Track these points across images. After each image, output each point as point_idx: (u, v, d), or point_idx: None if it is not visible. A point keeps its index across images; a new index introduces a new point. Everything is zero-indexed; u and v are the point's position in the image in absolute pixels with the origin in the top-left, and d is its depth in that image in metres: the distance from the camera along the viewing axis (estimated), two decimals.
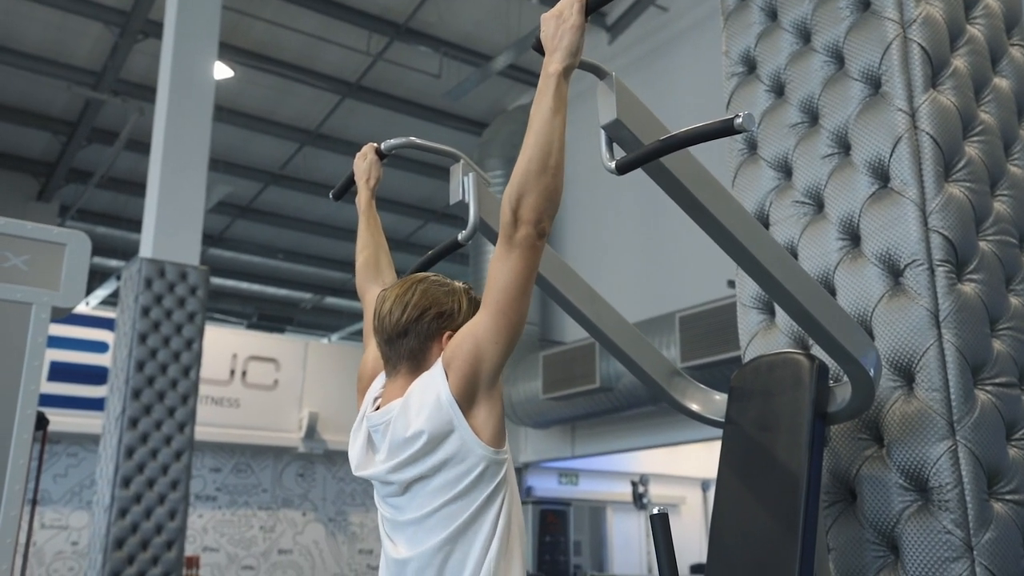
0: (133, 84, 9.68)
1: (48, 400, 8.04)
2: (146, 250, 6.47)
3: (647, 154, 1.20)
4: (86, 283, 3.08)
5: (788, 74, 1.97)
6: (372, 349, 1.58)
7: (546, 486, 10.56)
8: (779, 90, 2.00)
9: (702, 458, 11.39)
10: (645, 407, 7.91)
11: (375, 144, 1.74)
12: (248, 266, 14.37)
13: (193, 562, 8.01)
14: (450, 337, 1.39)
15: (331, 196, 1.84)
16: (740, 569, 1.56)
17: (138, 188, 8.93)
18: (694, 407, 1.76)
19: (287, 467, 9.98)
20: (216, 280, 14.62)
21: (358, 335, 15.93)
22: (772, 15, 2.04)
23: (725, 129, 1.11)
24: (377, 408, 1.45)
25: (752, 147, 2.05)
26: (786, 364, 1.63)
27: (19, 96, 10.06)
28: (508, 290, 1.26)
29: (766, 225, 1.98)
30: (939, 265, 1.64)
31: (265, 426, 9.49)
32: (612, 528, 11.09)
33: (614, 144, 1.28)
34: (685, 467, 11.41)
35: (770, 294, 1.43)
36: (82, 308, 11.08)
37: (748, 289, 2.00)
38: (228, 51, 8.89)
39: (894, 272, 1.70)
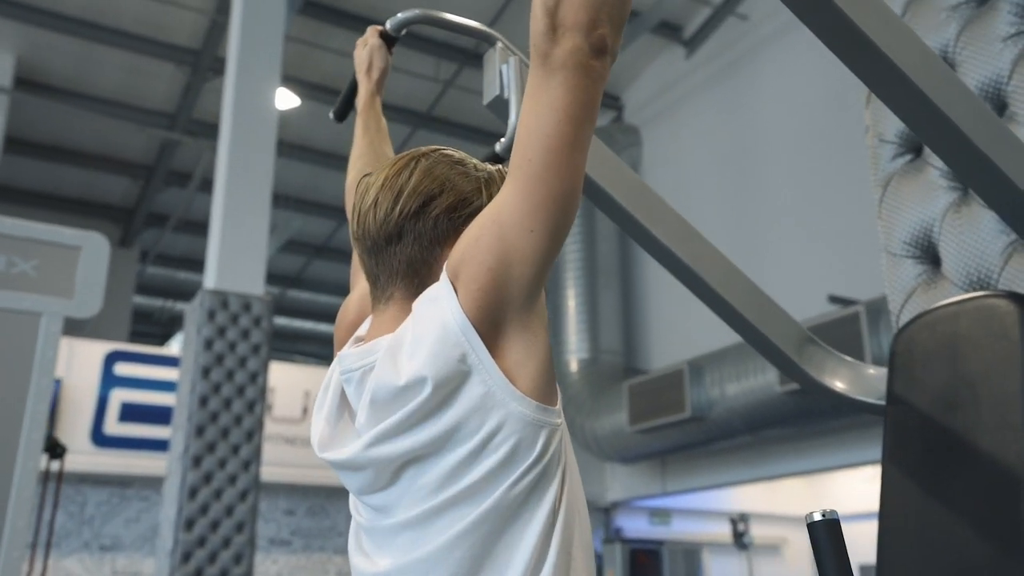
0: (206, 124, 9.66)
1: (120, 442, 7.87)
2: (209, 281, 6.24)
3: None
4: (103, 289, 2.76)
5: None
6: (360, 287, 1.10)
7: (636, 527, 9.89)
8: None
9: (804, 495, 10.57)
10: (741, 437, 7.27)
11: (379, 27, 1.31)
12: (326, 307, 14.26)
13: None
14: None
15: (332, 116, 1.43)
16: None
17: None
18: (838, 385, 1.26)
19: None
20: (295, 322, 14.55)
21: None
22: None
23: None
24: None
25: None
26: (981, 312, 1.12)
27: (97, 142, 10.17)
28: (546, 140, 0.77)
29: (921, 148, 1.47)
30: None
31: None
32: (710, 571, 10.31)
33: None
34: (786, 505, 10.58)
35: (971, 181, 0.94)
36: (160, 350, 11.05)
37: (898, 232, 1.49)
38: (295, 84, 8.78)
39: None
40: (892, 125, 1.53)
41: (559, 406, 0.84)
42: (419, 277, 0.90)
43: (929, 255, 1.45)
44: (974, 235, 1.35)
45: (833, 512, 0.70)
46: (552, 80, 0.77)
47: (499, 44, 1.16)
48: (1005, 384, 1.05)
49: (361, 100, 1.32)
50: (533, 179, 0.78)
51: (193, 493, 5.67)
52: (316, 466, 9.08)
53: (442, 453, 0.81)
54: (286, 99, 8.47)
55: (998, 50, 1.37)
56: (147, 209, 11.17)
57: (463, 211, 0.90)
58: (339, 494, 9.49)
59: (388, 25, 1.29)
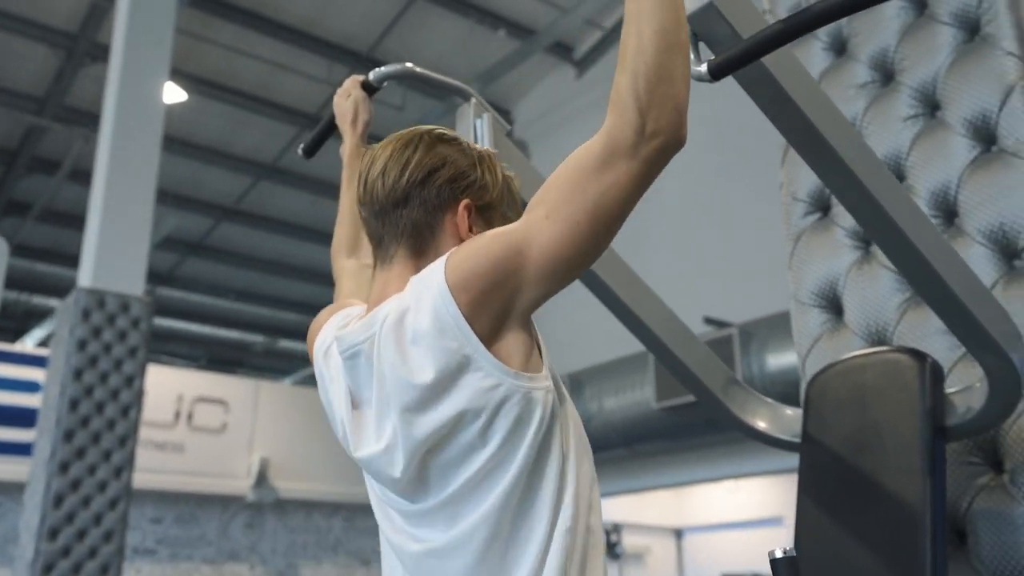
0: (79, 111, 9.19)
1: None
2: (85, 279, 5.96)
3: (765, 42, 0.84)
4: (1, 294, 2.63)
5: (853, 27, 1.65)
6: (339, 300, 1.17)
7: None
8: (840, 47, 1.68)
9: (670, 506, 11.01)
10: (617, 450, 7.52)
11: (360, 76, 1.36)
12: (198, 307, 13.77)
13: None
14: (470, 209, 1.00)
15: (301, 151, 1.46)
16: None
17: (82, 222, 8.47)
18: (761, 425, 1.40)
19: (234, 517, 9.32)
20: (165, 322, 13.98)
21: (312, 379, 15.38)
22: None
23: None
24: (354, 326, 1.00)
25: None
26: (887, 365, 1.27)
27: None
28: (601, 213, 0.86)
29: (828, 208, 1.64)
30: None
31: (211, 472, 8.85)
32: None
33: (700, 43, 0.93)
34: (652, 516, 10.99)
35: (892, 255, 1.09)
36: (16, 346, 10.41)
37: (807, 283, 1.65)
38: (181, 78, 8.49)
39: (1009, 253, 1.37)
40: (804, 185, 1.70)
41: (545, 371, 0.93)
42: (422, 238, 1.00)
43: (833, 306, 1.62)
44: (874, 291, 1.52)
45: (792, 550, 0.81)
46: (630, 165, 0.86)
47: (473, 99, 1.23)
48: (907, 432, 1.20)
49: (347, 152, 1.36)
50: (575, 239, 0.87)
51: (59, 500, 5.39)
52: (186, 472, 8.77)
53: (456, 435, 0.90)
54: (172, 93, 8.18)
55: (899, 128, 1.55)
56: (6, 196, 10.51)
57: (462, 182, 1.01)
58: (209, 502, 9.21)
59: (371, 77, 1.34)
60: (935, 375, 1.22)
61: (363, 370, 0.97)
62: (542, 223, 0.88)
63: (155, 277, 12.52)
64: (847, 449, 1.26)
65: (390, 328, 0.92)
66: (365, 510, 10.47)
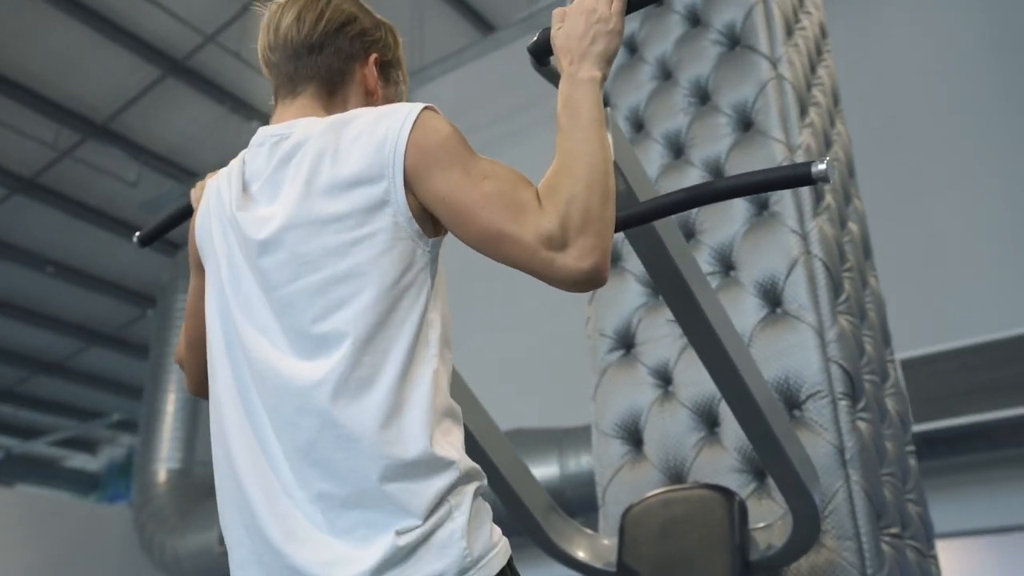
0: None
1: None
2: None
3: (671, 204, 0.93)
4: None
5: (662, 184, 1.84)
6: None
7: None
8: None
9: None
10: None
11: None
12: None
13: None
14: (378, 63, 1.13)
15: (136, 239, 1.34)
16: None
17: None
18: (579, 554, 1.43)
19: None
20: None
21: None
22: (638, 126, 1.93)
23: (799, 178, 0.87)
24: None
25: (615, 258, 1.87)
26: (699, 501, 1.38)
27: None
28: (499, 237, 0.90)
29: (632, 346, 1.77)
30: (840, 399, 1.52)
31: None
32: None
33: None
34: None
35: (730, 397, 1.20)
36: None
37: (609, 415, 1.75)
38: None
39: (791, 403, 1.56)
40: (611, 323, 1.82)
41: (431, 245, 0.97)
42: (333, 83, 1.12)
43: (634, 438, 1.72)
44: (673, 428, 1.66)
45: None
46: (536, 248, 0.88)
47: None
48: (717, 565, 1.30)
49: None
50: (472, 213, 0.92)
51: None
52: None
53: (326, 232, 0.95)
54: None
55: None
56: None
57: (369, 37, 1.14)
58: None
59: None
60: (742, 513, 1.34)
61: (263, 158, 1.05)
62: (479, 177, 0.93)
63: None
64: None
65: (328, 126, 1.00)
66: None
